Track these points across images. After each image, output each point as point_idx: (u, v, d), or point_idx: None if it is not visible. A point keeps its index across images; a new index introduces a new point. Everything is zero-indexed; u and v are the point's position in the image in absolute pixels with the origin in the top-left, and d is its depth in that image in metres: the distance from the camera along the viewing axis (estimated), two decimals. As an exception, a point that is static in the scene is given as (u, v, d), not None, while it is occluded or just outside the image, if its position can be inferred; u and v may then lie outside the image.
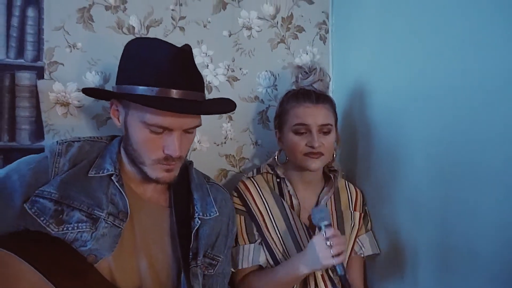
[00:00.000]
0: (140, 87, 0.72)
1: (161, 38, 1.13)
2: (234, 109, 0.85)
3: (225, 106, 0.86)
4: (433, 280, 0.94)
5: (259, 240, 1.02)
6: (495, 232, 0.77)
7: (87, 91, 0.87)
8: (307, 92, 1.03)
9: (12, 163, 0.78)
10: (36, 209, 0.71)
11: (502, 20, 0.76)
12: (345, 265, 0.98)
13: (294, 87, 1.09)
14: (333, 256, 0.84)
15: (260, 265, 1.01)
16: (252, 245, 1.01)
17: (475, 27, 0.82)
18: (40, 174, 0.75)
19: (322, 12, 1.36)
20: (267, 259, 1.01)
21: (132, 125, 0.76)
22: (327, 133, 1.01)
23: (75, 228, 0.73)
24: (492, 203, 0.78)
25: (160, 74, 0.73)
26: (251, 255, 1.00)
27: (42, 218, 0.71)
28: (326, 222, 0.89)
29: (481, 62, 0.80)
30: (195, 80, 0.78)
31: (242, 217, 1.02)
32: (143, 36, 1.11)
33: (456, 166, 0.86)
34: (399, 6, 1.05)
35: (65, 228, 0.72)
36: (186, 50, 0.76)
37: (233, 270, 0.98)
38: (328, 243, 0.85)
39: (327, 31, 1.37)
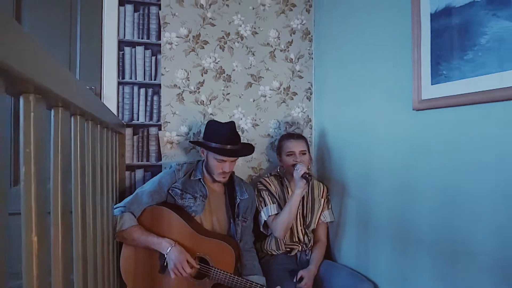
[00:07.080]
0: (214, 143, 1.71)
1: (217, 106, 2.13)
2: (253, 153, 1.86)
3: (249, 151, 1.85)
4: (357, 238, 1.87)
5: (276, 203, 1.94)
6: (424, 220, 1.70)
7: (192, 142, 1.91)
8: (292, 134, 2.00)
9: (159, 174, 1.80)
10: (174, 193, 1.72)
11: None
12: (314, 226, 1.96)
13: (284, 132, 2.06)
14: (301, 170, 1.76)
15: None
16: (273, 205, 1.93)
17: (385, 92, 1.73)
18: (173, 179, 1.75)
19: (308, 82, 2.30)
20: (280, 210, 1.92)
21: (210, 158, 1.75)
22: (303, 155, 1.94)
23: (187, 201, 1.73)
24: (419, 205, 1.70)
25: (222, 138, 1.71)
26: (273, 208, 1.91)
27: (176, 197, 1.72)
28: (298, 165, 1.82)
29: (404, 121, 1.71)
30: (237, 139, 1.76)
31: (267, 192, 1.94)
32: (207, 105, 2.11)
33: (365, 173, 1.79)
34: (350, 80, 1.96)
35: (183, 201, 1.73)
36: (233, 126, 1.75)
37: (265, 218, 1.89)
38: (299, 167, 1.78)
39: (311, 93, 2.31)
